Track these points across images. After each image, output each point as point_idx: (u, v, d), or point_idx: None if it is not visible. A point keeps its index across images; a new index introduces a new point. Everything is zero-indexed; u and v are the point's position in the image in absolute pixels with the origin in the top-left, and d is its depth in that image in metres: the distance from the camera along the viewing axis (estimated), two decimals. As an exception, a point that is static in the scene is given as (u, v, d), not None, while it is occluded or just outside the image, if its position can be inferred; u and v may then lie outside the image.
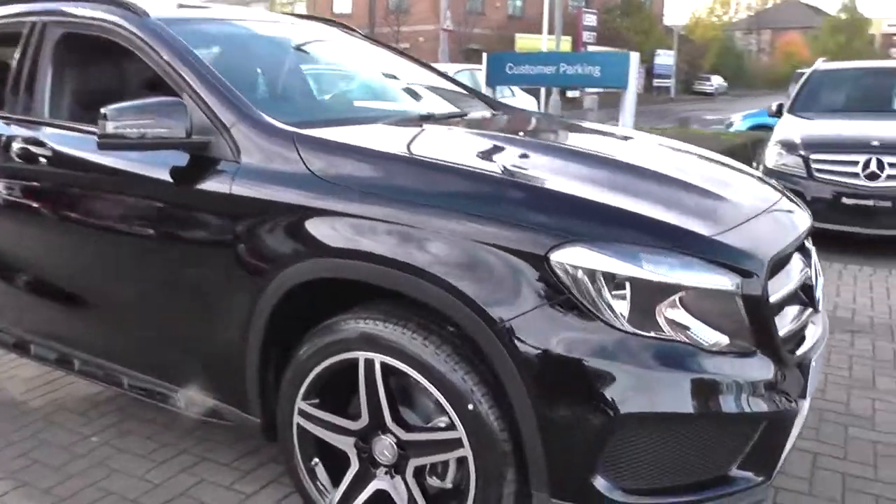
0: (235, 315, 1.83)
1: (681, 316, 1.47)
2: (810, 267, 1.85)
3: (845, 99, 5.88)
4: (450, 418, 1.57)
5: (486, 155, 1.86)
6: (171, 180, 1.90)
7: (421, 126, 2.16)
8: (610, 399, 1.44)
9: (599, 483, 1.47)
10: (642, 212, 1.55)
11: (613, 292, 1.45)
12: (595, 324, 1.45)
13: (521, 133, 2.40)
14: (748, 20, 52.82)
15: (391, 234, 1.60)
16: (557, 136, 2.49)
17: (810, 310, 1.77)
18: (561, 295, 1.46)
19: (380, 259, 1.59)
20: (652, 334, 1.45)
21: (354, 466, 1.78)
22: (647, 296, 1.45)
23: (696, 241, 1.52)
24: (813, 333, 1.76)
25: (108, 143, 1.79)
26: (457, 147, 1.94)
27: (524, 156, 1.87)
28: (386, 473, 1.71)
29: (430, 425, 1.65)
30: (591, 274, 1.44)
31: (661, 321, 1.46)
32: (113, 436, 2.30)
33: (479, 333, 1.51)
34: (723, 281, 1.48)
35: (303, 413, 1.81)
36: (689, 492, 1.52)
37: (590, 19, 21.10)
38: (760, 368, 1.54)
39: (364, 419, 1.73)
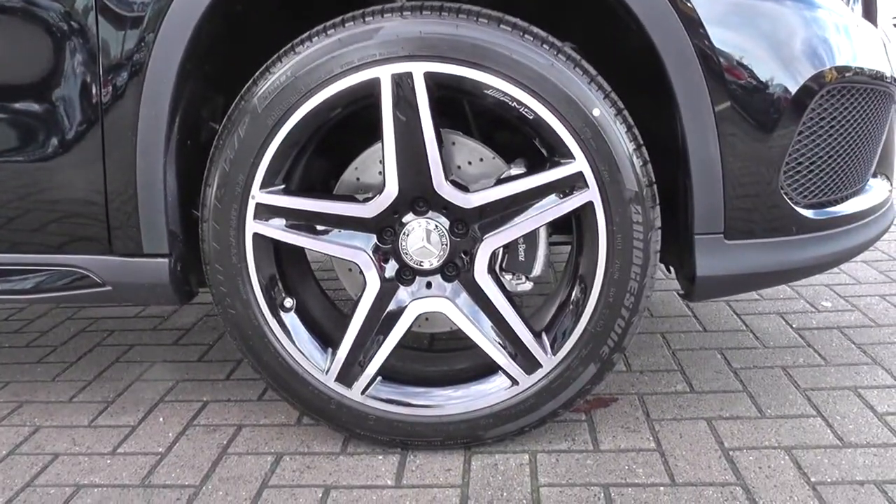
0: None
1: None
2: None
3: None
4: (550, 145, 1.27)
5: None
6: None
7: None
8: (817, 52, 1.29)
9: (788, 200, 1.31)
10: None
11: None
12: None
13: None
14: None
15: None
16: None
17: None
18: None
19: None
20: None
21: (372, 287, 1.37)
22: None
23: None
24: None
25: None
26: None
27: None
28: (429, 286, 1.39)
29: (511, 173, 1.34)
30: None
31: None
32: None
33: None
34: None
35: (264, 210, 1.34)
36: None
37: None
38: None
39: (389, 191, 1.32)
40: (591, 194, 1.30)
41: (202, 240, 1.39)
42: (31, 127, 1.40)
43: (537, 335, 1.40)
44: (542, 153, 1.35)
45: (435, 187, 1.33)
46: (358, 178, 1.45)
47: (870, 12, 1.56)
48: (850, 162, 1.44)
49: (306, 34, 1.33)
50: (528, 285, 1.43)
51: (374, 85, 1.29)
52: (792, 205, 1.36)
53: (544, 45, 1.28)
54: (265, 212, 1.36)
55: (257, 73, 1.34)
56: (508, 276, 1.42)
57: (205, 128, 1.51)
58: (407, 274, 1.40)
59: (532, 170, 1.36)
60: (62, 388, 1.81)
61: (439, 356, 1.57)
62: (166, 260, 1.41)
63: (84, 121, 1.37)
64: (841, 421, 1.49)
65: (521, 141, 1.43)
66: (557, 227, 1.43)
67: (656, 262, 1.35)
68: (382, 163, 1.33)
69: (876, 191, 1.54)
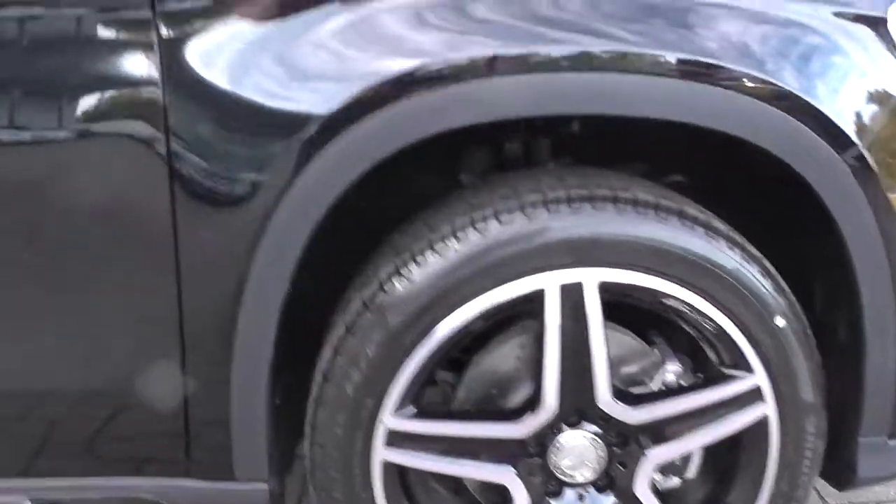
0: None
1: None
2: None
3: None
4: (726, 356, 1.16)
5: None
6: None
7: None
8: None
9: None
10: None
11: None
12: None
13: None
14: None
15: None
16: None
17: None
18: None
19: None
20: None
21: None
22: None
23: None
24: None
25: None
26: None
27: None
28: (581, 499, 1.22)
29: (668, 372, 1.23)
30: None
31: None
32: None
33: (817, 170, 1.10)
34: None
35: (397, 437, 1.15)
36: None
37: None
38: None
39: (547, 408, 1.15)
40: (768, 409, 1.18)
41: (311, 462, 1.15)
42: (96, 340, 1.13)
43: None
44: (689, 333, 1.21)
45: (598, 402, 1.16)
46: None
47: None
48: None
49: (448, 228, 1.09)
50: (676, 481, 1.31)
51: (536, 296, 1.09)
52: None
53: (728, 244, 1.12)
54: (397, 438, 1.14)
55: (384, 276, 1.10)
56: (658, 476, 1.29)
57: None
58: (554, 484, 1.23)
59: (696, 373, 1.23)
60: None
61: None
62: (265, 485, 1.16)
63: (160, 329, 1.10)
64: None
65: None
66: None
67: (819, 468, 1.26)
68: (539, 376, 1.14)
69: None
